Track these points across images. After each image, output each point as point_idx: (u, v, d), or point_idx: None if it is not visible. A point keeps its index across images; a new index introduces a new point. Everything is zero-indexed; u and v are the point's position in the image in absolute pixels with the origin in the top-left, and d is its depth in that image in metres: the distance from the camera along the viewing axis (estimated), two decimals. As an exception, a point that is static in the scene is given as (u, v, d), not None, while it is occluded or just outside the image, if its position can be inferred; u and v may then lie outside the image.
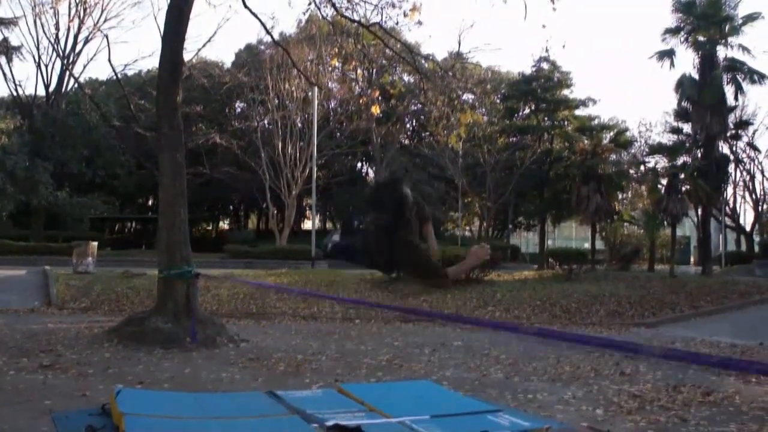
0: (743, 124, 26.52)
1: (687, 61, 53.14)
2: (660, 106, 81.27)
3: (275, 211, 30.74)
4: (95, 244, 18.44)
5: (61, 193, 26.38)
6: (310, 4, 11.83)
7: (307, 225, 38.05)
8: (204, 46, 46.14)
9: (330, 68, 27.68)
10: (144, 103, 26.65)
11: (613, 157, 23.66)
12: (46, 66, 29.65)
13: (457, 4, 45.74)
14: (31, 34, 49.49)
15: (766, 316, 12.80)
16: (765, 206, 31.56)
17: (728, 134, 24.07)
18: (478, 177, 27.61)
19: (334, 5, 11.57)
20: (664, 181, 21.20)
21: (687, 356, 8.10)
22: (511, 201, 28.05)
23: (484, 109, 31.10)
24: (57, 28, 29.24)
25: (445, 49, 61.23)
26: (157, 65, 12.46)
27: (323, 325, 11.53)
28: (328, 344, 9.07)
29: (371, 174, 36.08)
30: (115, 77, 23.59)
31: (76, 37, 29.33)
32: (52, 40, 29.31)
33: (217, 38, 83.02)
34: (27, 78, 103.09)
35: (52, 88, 29.90)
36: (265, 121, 29.42)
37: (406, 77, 30.52)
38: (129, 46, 78.89)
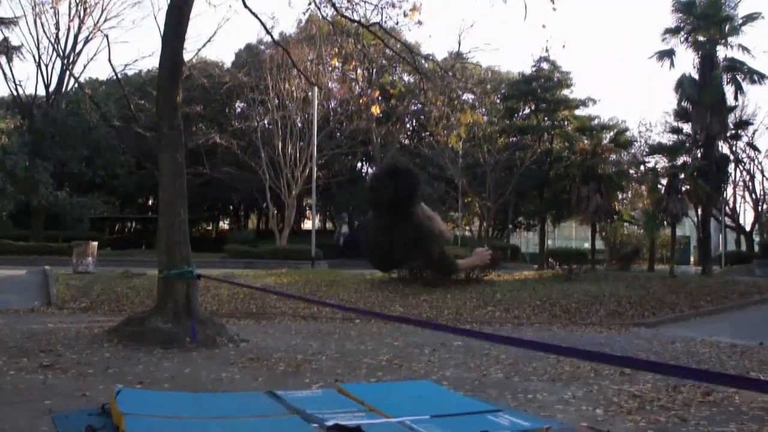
0: (743, 124, 26.51)
1: (687, 61, 53.27)
2: (660, 106, 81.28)
3: (275, 211, 30.72)
4: (95, 244, 18.43)
5: (61, 193, 26.36)
6: (310, 4, 11.84)
7: (307, 225, 38.04)
8: (204, 46, 46.35)
9: (330, 68, 27.65)
10: (144, 103, 26.62)
11: (613, 157, 23.64)
12: (46, 66, 29.67)
13: (457, 4, 45.79)
14: (31, 33, 49.59)
15: (766, 316, 12.81)
16: (765, 206, 31.53)
17: (728, 134, 24.07)
18: (478, 177, 27.58)
19: (334, 5, 11.57)
20: (664, 181, 21.21)
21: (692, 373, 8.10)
22: (511, 201, 28.03)
23: (484, 109, 31.06)
24: (57, 28, 29.24)
25: (445, 49, 61.13)
26: (157, 65, 12.46)
27: (323, 325, 11.53)
28: (328, 344, 9.07)
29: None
30: (115, 77, 23.57)
31: (76, 37, 29.34)
32: (52, 40, 29.31)
33: (217, 38, 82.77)
34: (27, 78, 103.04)
35: (52, 88, 29.88)
36: (265, 121, 29.40)
37: (406, 77, 30.50)
38: (129, 46, 78.79)
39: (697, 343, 9.99)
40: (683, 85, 20.99)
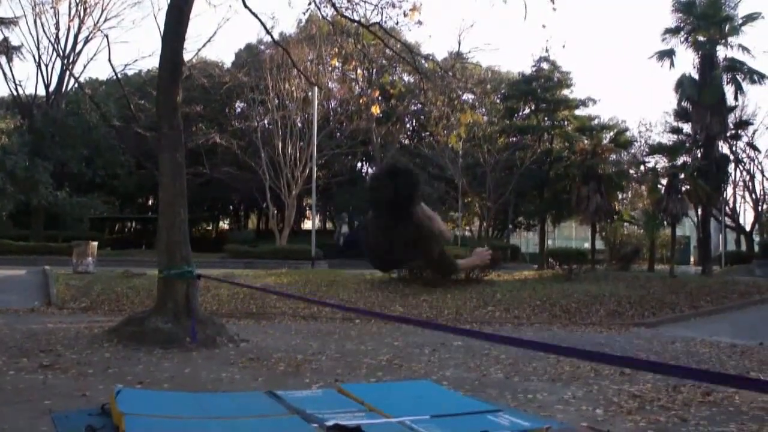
0: (743, 124, 26.50)
1: (687, 61, 53.23)
2: (660, 106, 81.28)
3: (275, 211, 30.72)
4: (95, 244, 18.43)
5: (61, 193, 26.35)
6: (310, 4, 11.84)
7: (307, 225, 38.04)
8: (204, 46, 46.32)
9: (330, 68, 27.64)
10: (144, 103, 26.61)
11: (613, 157, 23.64)
12: (46, 66, 29.66)
13: (457, 4, 45.79)
14: (31, 33, 49.58)
15: (766, 316, 12.81)
16: (765, 206, 31.53)
17: (728, 134, 24.06)
18: (478, 177, 27.58)
19: (334, 5, 11.57)
20: (664, 181, 21.21)
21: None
22: (511, 201, 28.03)
23: (484, 109, 31.06)
24: (57, 28, 29.23)
25: (445, 49, 61.11)
26: (157, 65, 12.46)
27: (323, 325, 11.53)
28: (328, 344, 9.07)
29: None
30: (115, 77, 23.55)
31: (76, 36, 29.33)
32: (52, 40, 29.31)
33: (217, 38, 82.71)
34: (27, 78, 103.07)
35: (52, 88, 29.87)
36: (265, 121, 29.40)
37: (406, 77, 30.49)
38: (129, 46, 78.77)
39: (697, 343, 9.99)
40: (683, 85, 20.99)
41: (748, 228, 31.64)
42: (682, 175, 20.31)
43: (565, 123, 27.74)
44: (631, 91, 65.83)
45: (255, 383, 6.33)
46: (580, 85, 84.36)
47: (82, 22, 28.90)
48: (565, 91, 28.18)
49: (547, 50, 28.55)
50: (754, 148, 30.06)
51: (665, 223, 21.91)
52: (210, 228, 41.54)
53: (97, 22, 28.76)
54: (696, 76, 21.09)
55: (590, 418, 5.19)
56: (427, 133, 32.36)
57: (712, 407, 5.58)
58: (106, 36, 29.23)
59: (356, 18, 11.63)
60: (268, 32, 15.06)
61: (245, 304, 13.36)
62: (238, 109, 34.31)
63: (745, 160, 30.65)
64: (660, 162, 24.84)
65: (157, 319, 8.86)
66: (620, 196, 26.51)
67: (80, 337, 8.91)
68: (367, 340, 9.65)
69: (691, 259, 32.35)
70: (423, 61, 15.78)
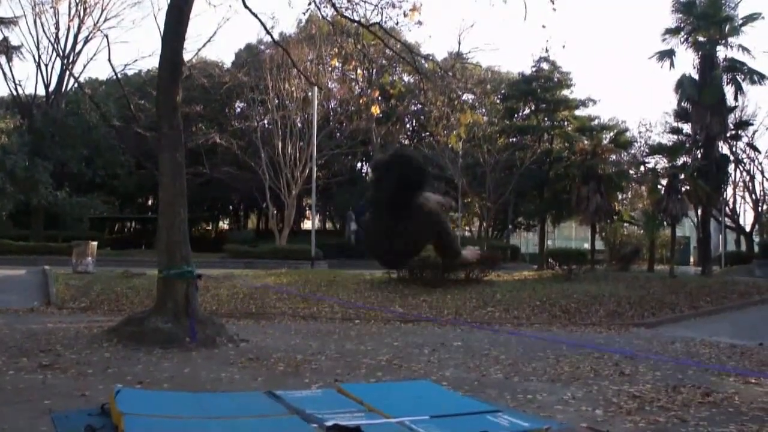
0: (743, 124, 26.48)
1: (687, 62, 53.15)
2: (660, 106, 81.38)
3: (275, 211, 30.71)
4: (95, 243, 18.43)
5: (60, 193, 26.34)
6: (310, 4, 11.83)
7: (307, 225, 38.03)
8: (204, 46, 46.22)
9: (330, 68, 27.64)
10: (144, 103, 26.61)
11: (613, 157, 23.64)
12: (46, 66, 29.63)
13: (457, 4, 45.83)
14: (31, 33, 49.41)
15: (766, 316, 12.80)
16: (765, 206, 31.53)
17: (728, 134, 24.02)
18: (478, 177, 27.56)
19: (334, 5, 11.57)
20: (664, 182, 21.20)
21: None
22: (511, 201, 28.02)
23: (484, 109, 31.07)
24: (57, 28, 29.20)
25: (445, 49, 61.12)
26: (157, 65, 12.46)
27: (323, 325, 11.53)
28: (327, 344, 9.07)
29: (371, 174, 35.97)
30: (115, 77, 23.52)
31: (76, 36, 29.30)
32: (52, 40, 29.27)
33: (217, 38, 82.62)
34: (27, 78, 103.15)
35: (52, 88, 29.85)
36: (265, 121, 29.40)
37: (406, 77, 30.48)
38: (129, 46, 78.87)
39: (697, 344, 9.99)
40: (683, 86, 20.98)
41: (748, 228, 31.64)
42: (682, 176, 20.31)
43: (565, 123, 27.74)
44: (631, 91, 65.93)
45: (254, 383, 6.32)
46: (580, 85, 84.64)
47: (82, 22, 28.90)
48: (565, 92, 28.18)
49: (547, 50, 28.50)
50: (754, 149, 30.06)
51: (665, 223, 21.91)
52: (210, 228, 41.53)
53: (97, 22, 28.77)
54: (696, 77, 21.08)
55: (590, 419, 5.19)
56: (427, 133, 32.35)
57: (712, 408, 5.58)
58: (106, 36, 29.27)
59: (356, 18, 11.64)
60: (268, 32, 15.06)
61: (245, 304, 13.36)
62: (238, 109, 34.31)
63: (745, 160, 30.66)
64: (660, 162, 24.86)
65: (156, 319, 8.86)
66: (620, 197, 26.51)
67: (80, 337, 8.91)
68: (366, 340, 9.65)
69: (691, 259, 32.36)
70: (423, 62, 15.77)
